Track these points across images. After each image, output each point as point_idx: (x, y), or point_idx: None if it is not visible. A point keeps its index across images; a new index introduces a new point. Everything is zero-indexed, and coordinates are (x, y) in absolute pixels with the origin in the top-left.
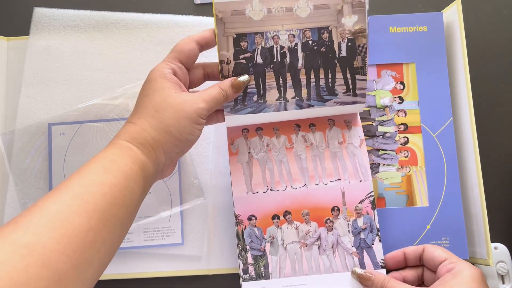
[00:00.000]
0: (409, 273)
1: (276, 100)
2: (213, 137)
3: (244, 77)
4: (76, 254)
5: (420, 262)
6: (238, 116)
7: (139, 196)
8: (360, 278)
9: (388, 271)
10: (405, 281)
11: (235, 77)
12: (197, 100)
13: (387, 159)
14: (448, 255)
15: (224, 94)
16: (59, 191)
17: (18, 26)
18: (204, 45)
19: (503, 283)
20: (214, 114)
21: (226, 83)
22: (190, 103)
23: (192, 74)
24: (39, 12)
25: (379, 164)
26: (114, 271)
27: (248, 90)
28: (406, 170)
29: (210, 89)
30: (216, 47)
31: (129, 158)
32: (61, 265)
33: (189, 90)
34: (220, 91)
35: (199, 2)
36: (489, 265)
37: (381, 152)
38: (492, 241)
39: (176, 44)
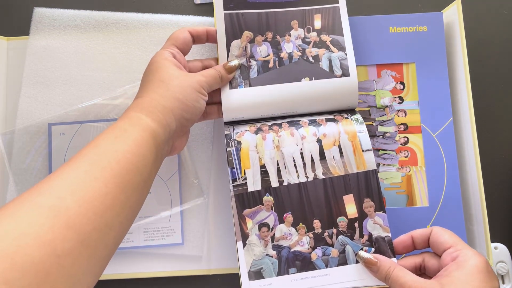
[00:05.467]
0: (407, 262)
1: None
2: (213, 137)
3: (235, 61)
4: (97, 217)
5: (428, 245)
6: (235, 92)
7: (153, 163)
8: (365, 263)
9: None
10: None
11: (226, 62)
12: (197, 75)
13: (387, 159)
14: (454, 241)
15: (219, 74)
16: (76, 159)
17: (18, 26)
18: (196, 38)
19: (503, 283)
20: (215, 107)
21: (219, 66)
22: (191, 76)
23: (191, 66)
24: (39, 12)
25: (379, 164)
26: (114, 271)
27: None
28: (406, 170)
29: (207, 69)
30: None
31: (139, 126)
32: (83, 227)
33: None
34: (216, 71)
35: (199, 2)
36: None
37: (381, 152)
38: (492, 241)
39: (171, 34)
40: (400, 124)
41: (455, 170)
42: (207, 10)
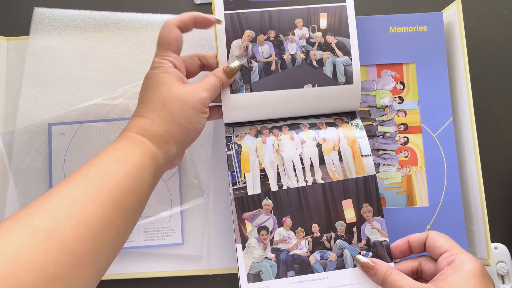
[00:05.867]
0: (404, 266)
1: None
2: (213, 137)
3: (235, 63)
4: (91, 241)
5: (424, 249)
6: (236, 96)
7: (150, 187)
8: (363, 267)
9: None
10: None
11: (226, 65)
12: (199, 90)
13: (387, 159)
14: (450, 245)
15: (220, 82)
16: (74, 179)
17: (18, 26)
18: (183, 28)
19: (503, 283)
20: (216, 109)
21: (220, 70)
22: (194, 93)
23: (188, 65)
24: (39, 12)
25: (379, 164)
26: (114, 271)
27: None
28: (406, 170)
29: (208, 78)
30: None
31: (141, 150)
32: (78, 251)
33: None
34: (216, 79)
35: (199, 2)
36: (489, 265)
37: (381, 152)
38: (492, 241)
39: (159, 35)
40: (400, 124)
41: (455, 170)
42: (207, 10)
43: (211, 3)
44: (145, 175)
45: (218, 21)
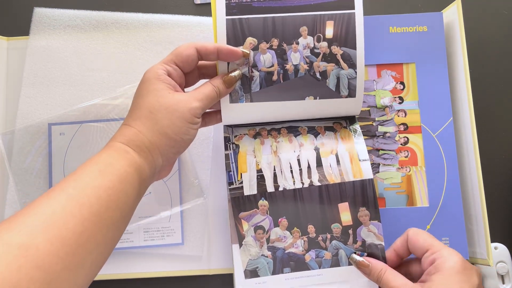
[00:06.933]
0: None
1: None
2: (213, 137)
3: (236, 72)
4: (69, 256)
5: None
6: (236, 106)
7: (134, 199)
8: (358, 265)
9: None
10: None
11: (226, 73)
12: (191, 100)
13: (387, 159)
14: (429, 243)
15: (217, 91)
16: (54, 192)
17: (18, 26)
18: (203, 55)
19: (503, 283)
20: (214, 114)
21: (218, 79)
22: (184, 103)
23: (186, 74)
24: (39, 12)
25: (379, 164)
26: (114, 271)
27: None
28: (406, 170)
29: (203, 87)
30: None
31: (125, 161)
32: (53, 266)
33: (184, 89)
34: (213, 88)
35: (199, 2)
36: (489, 265)
37: (381, 152)
38: (492, 241)
39: (176, 48)
40: (400, 124)
41: (455, 170)
42: (207, 10)
43: (211, 3)
44: (128, 187)
45: (246, 55)
